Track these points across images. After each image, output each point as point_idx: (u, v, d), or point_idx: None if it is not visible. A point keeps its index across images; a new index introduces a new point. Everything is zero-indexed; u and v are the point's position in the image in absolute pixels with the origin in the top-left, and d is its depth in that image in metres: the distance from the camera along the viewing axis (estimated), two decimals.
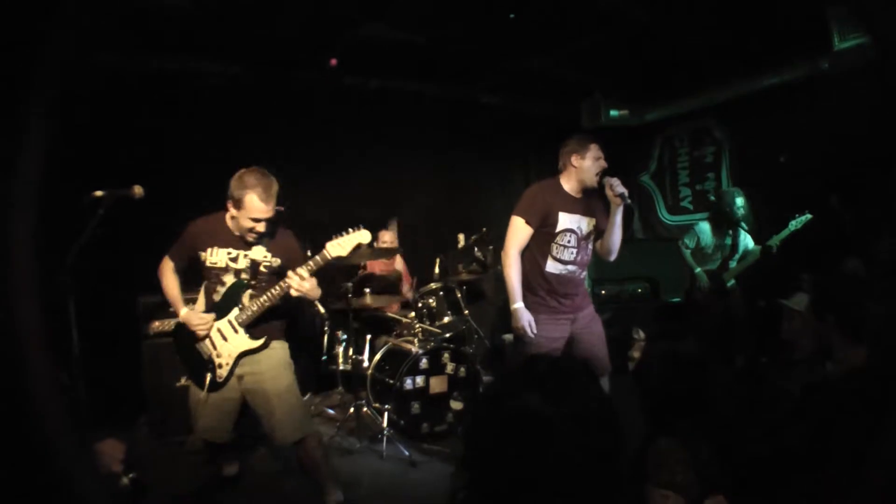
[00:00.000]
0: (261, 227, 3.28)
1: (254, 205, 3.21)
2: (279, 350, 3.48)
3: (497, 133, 7.72)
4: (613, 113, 7.30)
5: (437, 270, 6.29)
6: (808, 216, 5.31)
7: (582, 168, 3.72)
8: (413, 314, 5.56)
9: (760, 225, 5.76)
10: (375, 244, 6.25)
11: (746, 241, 5.74)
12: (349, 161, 6.79)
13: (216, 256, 3.39)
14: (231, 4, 4.83)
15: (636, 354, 5.15)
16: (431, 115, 7.26)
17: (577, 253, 3.75)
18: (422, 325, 5.38)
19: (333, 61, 6.12)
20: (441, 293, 5.75)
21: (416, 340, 5.17)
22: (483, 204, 7.55)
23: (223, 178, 5.53)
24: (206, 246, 3.40)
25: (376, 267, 6.40)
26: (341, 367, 5.46)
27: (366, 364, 5.35)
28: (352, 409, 4.89)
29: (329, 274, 6.18)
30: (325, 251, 3.31)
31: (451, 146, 7.31)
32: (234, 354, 3.36)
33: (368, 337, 5.61)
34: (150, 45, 5.41)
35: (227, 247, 3.39)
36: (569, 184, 3.81)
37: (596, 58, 6.45)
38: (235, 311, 3.37)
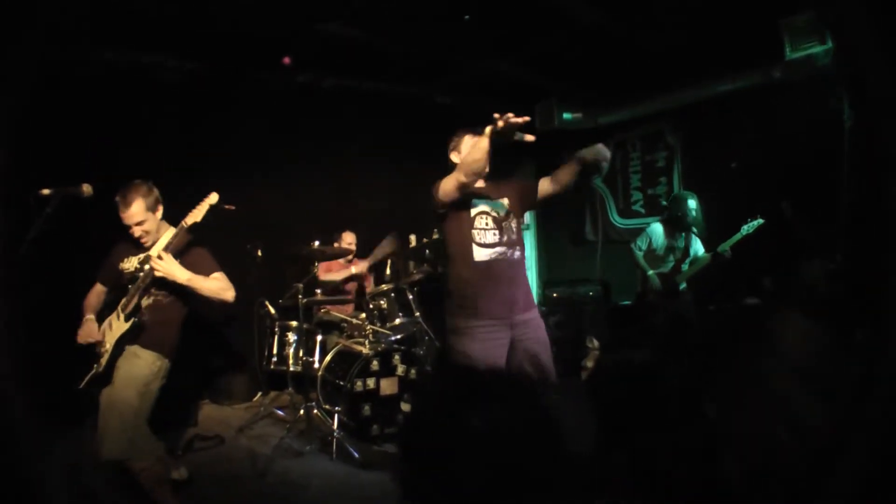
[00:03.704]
0: (136, 231, 3.44)
1: (120, 214, 3.42)
2: (143, 361, 3.38)
3: (451, 133, 7.70)
4: (567, 116, 7.33)
5: (388, 272, 6.26)
6: (760, 221, 5.40)
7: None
8: (364, 315, 5.52)
9: (711, 230, 5.86)
10: (337, 245, 6.22)
11: (697, 245, 5.82)
12: (302, 160, 6.74)
13: (129, 263, 3.56)
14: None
15: (589, 364, 5.17)
16: (386, 114, 7.22)
17: (501, 234, 3.47)
18: (373, 326, 5.34)
19: (287, 59, 6.04)
20: (392, 294, 5.71)
21: (366, 342, 5.13)
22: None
23: (176, 176, 5.44)
24: (125, 257, 3.59)
25: (334, 268, 6.34)
26: (291, 369, 5.38)
27: (316, 365, 5.29)
28: (302, 411, 4.82)
29: (281, 274, 6.14)
30: (182, 222, 3.37)
31: (405, 146, 7.28)
32: (113, 340, 3.38)
33: (319, 338, 5.55)
34: (101, 37, 5.25)
35: (137, 253, 3.55)
36: None
37: (551, 60, 6.49)
38: (124, 300, 3.42)
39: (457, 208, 3.42)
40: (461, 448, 1.07)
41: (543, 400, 1.25)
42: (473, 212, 3.46)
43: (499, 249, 3.45)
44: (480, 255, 3.41)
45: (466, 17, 5.20)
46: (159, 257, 3.27)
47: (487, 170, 3.28)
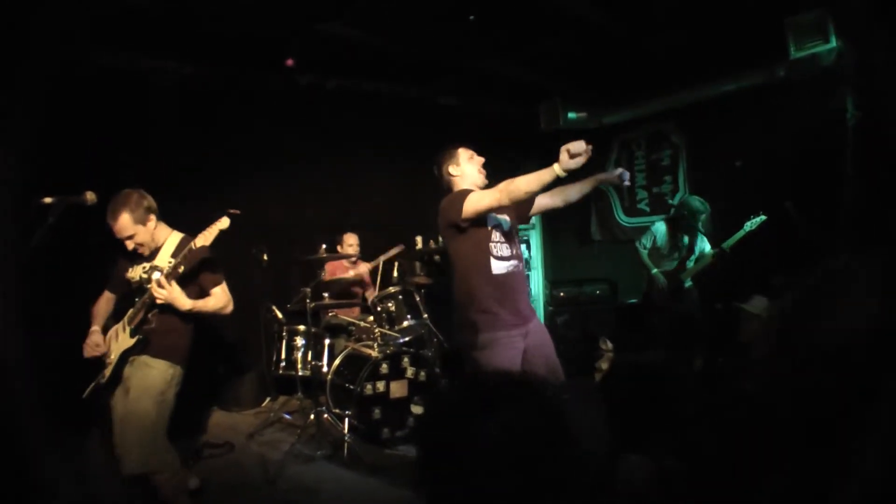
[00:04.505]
0: (129, 244, 3.37)
1: (110, 226, 3.34)
2: (155, 371, 3.33)
3: (455, 134, 7.69)
4: (571, 115, 7.32)
5: (395, 274, 6.25)
6: (763, 217, 5.41)
7: (465, 173, 3.57)
8: (372, 318, 5.51)
9: (716, 227, 5.86)
10: (340, 248, 6.22)
11: (703, 244, 5.82)
12: (305, 162, 6.71)
13: (134, 272, 3.47)
14: (186, 1, 4.70)
15: (604, 366, 5.15)
16: (389, 115, 7.21)
17: (511, 247, 3.53)
18: (381, 329, 5.33)
19: (290, 61, 6.03)
20: (400, 297, 5.69)
21: (375, 345, 5.13)
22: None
23: (180, 180, 5.42)
24: (130, 265, 3.51)
25: (338, 271, 6.34)
26: (300, 373, 5.37)
27: (325, 369, 5.28)
28: (312, 416, 4.81)
29: (287, 277, 6.13)
30: (191, 244, 3.24)
31: (408, 146, 7.27)
32: (118, 352, 3.33)
33: (327, 342, 5.53)
34: (99, 40, 5.21)
35: (143, 262, 3.46)
36: None
37: (555, 60, 6.48)
38: (130, 311, 3.39)
39: (476, 223, 3.40)
40: (496, 455, 1.08)
41: (565, 403, 1.26)
42: (490, 226, 3.46)
43: (513, 262, 3.49)
44: (498, 268, 3.42)
45: (471, 17, 5.18)
46: (161, 286, 3.19)
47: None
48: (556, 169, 3.00)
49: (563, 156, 2.96)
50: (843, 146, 5.40)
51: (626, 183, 3.55)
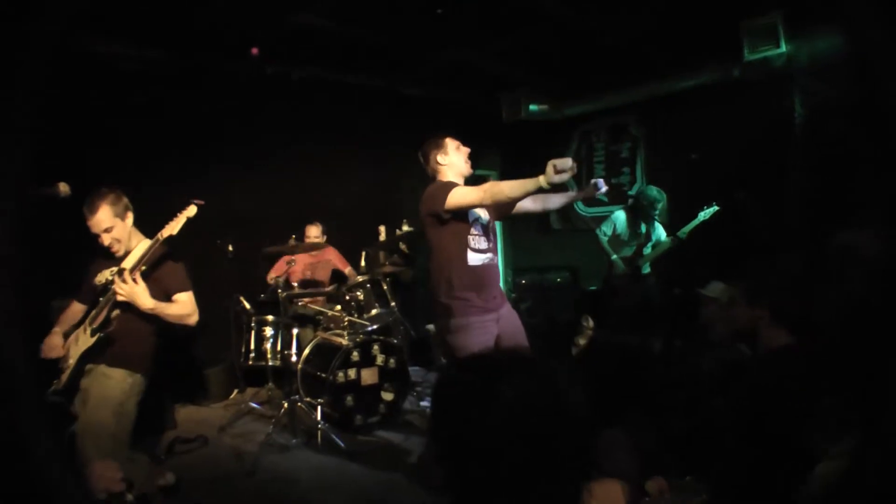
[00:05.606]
0: (105, 239, 3.31)
1: (87, 223, 3.30)
2: (113, 381, 3.24)
3: (420, 124, 7.75)
4: (533, 107, 7.45)
5: (363, 263, 6.30)
6: (716, 207, 5.66)
7: (452, 162, 3.69)
8: (339, 307, 5.55)
9: (672, 216, 6.09)
10: (307, 239, 6.20)
11: (659, 232, 6.05)
12: (270, 152, 6.67)
13: (102, 276, 3.41)
14: None
15: (582, 342, 5.29)
16: (354, 105, 7.22)
17: (488, 241, 3.68)
18: (350, 317, 5.38)
19: (255, 50, 5.98)
20: (368, 286, 5.76)
21: (345, 333, 5.18)
22: (406, 196, 7.52)
23: (144, 171, 5.32)
24: (99, 270, 3.45)
25: (303, 261, 6.33)
26: (270, 363, 5.39)
27: (294, 359, 5.31)
28: (285, 405, 4.84)
29: (254, 268, 6.11)
30: (158, 235, 3.23)
31: (374, 137, 7.30)
32: (77, 355, 3.24)
33: (295, 331, 5.56)
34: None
35: (112, 266, 3.38)
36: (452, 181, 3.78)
37: (519, 52, 6.57)
38: (92, 312, 3.29)
39: (457, 216, 3.53)
40: (494, 428, 1.14)
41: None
42: (469, 220, 3.58)
43: (489, 255, 3.65)
44: (474, 259, 3.57)
45: (439, 10, 5.23)
46: (124, 280, 3.12)
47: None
48: (541, 181, 3.08)
49: (550, 169, 3.03)
50: (791, 142, 5.83)
51: (601, 192, 3.70)
